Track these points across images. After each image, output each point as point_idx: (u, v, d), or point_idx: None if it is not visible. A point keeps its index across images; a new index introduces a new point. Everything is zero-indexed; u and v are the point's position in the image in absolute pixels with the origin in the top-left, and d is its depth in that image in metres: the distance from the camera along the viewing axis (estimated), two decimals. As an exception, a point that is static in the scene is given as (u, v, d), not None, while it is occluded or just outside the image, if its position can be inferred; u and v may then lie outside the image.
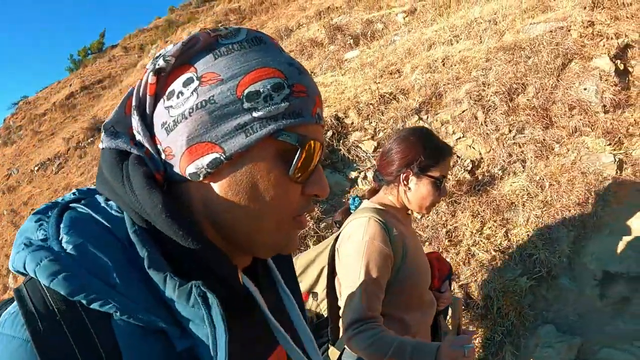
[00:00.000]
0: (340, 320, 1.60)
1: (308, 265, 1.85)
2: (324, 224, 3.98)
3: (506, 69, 4.30)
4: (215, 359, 0.52)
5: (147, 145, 0.60)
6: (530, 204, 3.74)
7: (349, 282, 1.56)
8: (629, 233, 3.66)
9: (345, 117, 4.65)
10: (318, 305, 1.83)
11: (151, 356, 0.52)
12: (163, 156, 0.60)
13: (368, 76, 5.07)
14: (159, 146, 0.60)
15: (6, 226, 11.62)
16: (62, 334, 0.48)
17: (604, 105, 4.14)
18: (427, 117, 4.39)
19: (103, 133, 0.63)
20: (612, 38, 4.40)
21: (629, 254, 3.41)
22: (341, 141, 4.53)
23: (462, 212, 3.72)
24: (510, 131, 4.12)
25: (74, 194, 0.64)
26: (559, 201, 3.75)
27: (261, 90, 0.58)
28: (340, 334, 1.65)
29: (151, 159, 0.61)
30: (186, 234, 0.56)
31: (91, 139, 13.03)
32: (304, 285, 1.82)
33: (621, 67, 4.37)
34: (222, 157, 0.58)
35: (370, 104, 4.56)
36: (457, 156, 4.13)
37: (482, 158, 4.14)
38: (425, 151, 1.68)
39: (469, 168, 4.07)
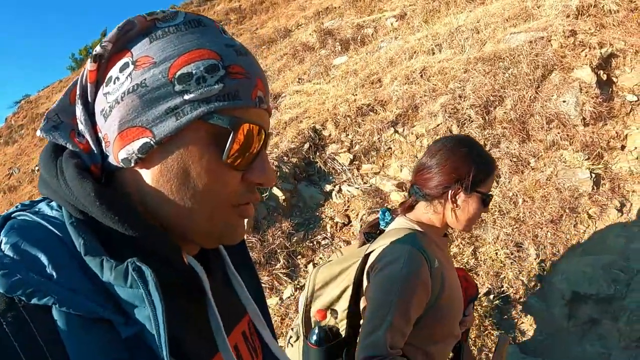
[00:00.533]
0: (357, 346, 1.48)
1: (330, 281, 1.72)
2: (296, 238, 3.98)
3: (484, 81, 4.23)
4: (158, 340, 0.51)
5: (87, 135, 0.60)
6: (501, 221, 3.68)
7: (377, 313, 1.42)
8: (601, 253, 3.59)
9: (323, 129, 4.64)
10: (337, 324, 1.71)
11: (94, 346, 0.50)
12: (103, 145, 0.60)
13: (350, 85, 5.04)
14: (99, 134, 0.60)
15: None
16: (1, 331, 0.48)
17: (584, 118, 4.05)
18: (403, 130, 4.34)
19: (44, 121, 0.62)
20: (595, 48, 4.28)
21: (599, 274, 3.34)
22: (318, 153, 4.53)
23: None
24: (485, 145, 4.05)
25: (17, 207, 0.62)
26: (532, 218, 3.68)
27: (194, 72, 0.56)
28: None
29: (89, 152, 0.60)
30: (122, 219, 0.55)
31: None
32: (322, 301, 1.70)
33: (604, 77, 4.26)
34: (152, 142, 0.56)
35: (348, 115, 4.54)
36: None
37: None
38: (477, 165, 1.50)
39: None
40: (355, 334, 1.63)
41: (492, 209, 3.75)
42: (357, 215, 4.01)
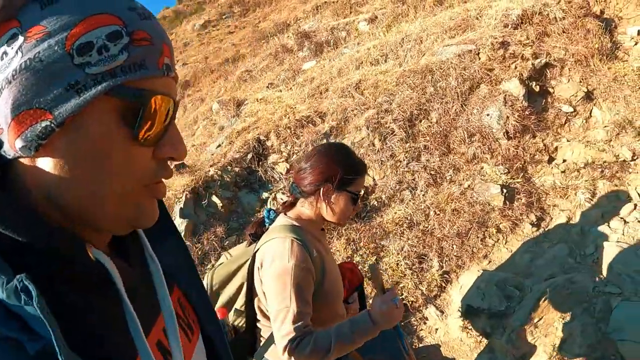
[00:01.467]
0: (275, 343, 1.66)
1: (227, 280, 1.90)
2: (228, 242, 4.30)
3: (411, 94, 4.31)
4: (60, 356, 0.47)
5: None
6: (409, 233, 3.81)
7: (281, 306, 1.60)
8: (506, 268, 3.64)
9: (266, 139, 4.90)
10: (237, 319, 1.88)
11: None
12: None
13: (302, 95, 5.24)
14: None
15: None
16: None
17: (506, 132, 4.05)
18: (335, 141, 4.52)
19: None
20: (527, 59, 4.24)
21: (493, 290, 3.41)
22: (260, 163, 4.80)
23: (337, 239, 3.88)
24: (405, 158, 4.17)
25: None
26: (441, 231, 3.78)
27: (94, 41, 0.50)
28: (258, 347, 1.78)
29: None
30: (13, 224, 0.50)
31: None
32: (222, 300, 1.86)
33: (536, 89, 4.22)
34: (52, 124, 0.50)
35: (289, 127, 4.77)
36: None
37: (375, 185, 4.24)
38: (345, 167, 1.72)
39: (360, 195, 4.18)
40: (253, 327, 1.84)
41: (401, 220, 3.89)
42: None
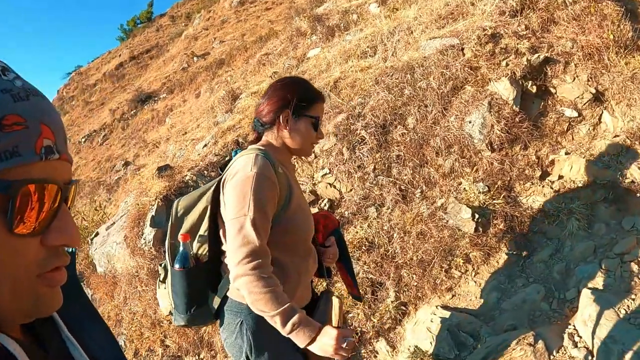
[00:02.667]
0: (227, 257, 1.63)
1: (190, 206, 1.86)
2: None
3: (386, 97, 3.82)
4: None
5: None
6: (367, 257, 3.43)
7: (238, 215, 1.57)
8: (470, 305, 3.18)
9: (244, 142, 4.65)
10: (201, 246, 1.86)
11: None
12: None
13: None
14: None
15: None
16: None
17: (490, 142, 3.47)
18: (309, 147, 4.17)
19: None
20: (522, 54, 3.57)
21: (444, 335, 2.99)
22: None
23: None
24: (374, 170, 3.74)
25: None
26: (403, 257, 3.37)
27: None
28: (224, 273, 1.76)
29: None
30: None
31: (134, 110, 13.42)
32: (185, 226, 1.84)
33: (533, 89, 3.55)
34: None
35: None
36: (315, 194, 3.91)
37: (342, 199, 3.86)
38: (300, 93, 1.75)
39: (325, 208, 3.83)
40: (216, 253, 1.80)
41: (361, 241, 3.51)
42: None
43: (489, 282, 3.19)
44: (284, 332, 1.52)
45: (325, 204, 3.83)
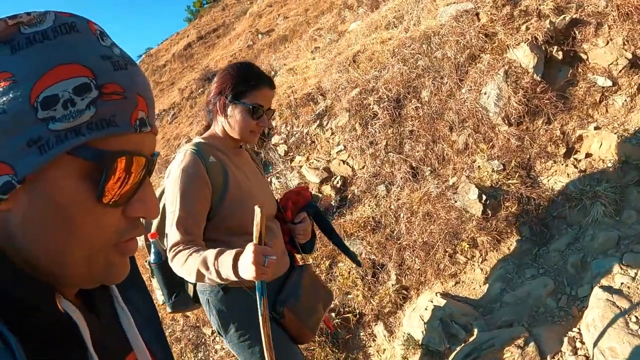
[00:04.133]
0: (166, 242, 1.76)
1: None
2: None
3: (401, 69, 3.62)
4: None
5: None
6: (371, 237, 3.33)
7: (169, 211, 1.68)
8: (472, 294, 2.98)
9: (273, 119, 4.67)
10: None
11: None
12: None
13: (322, 66, 4.80)
14: None
15: None
16: None
17: (507, 116, 3.16)
18: (327, 124, 4.08)
19: None
20: (546, 16, 3.16)
21: (435, 325, 2.82)
22: (263, 144, 4.61)
23: None
24: (386, 146, 3.57)
25: None
26: (407, 238, 3.23)
27: (60, 94, 0.48)
28: None
29: None
30: None
31: (201, 89, 13.42)
32: (154, 224, 1.94)
33: (558, 55, 3.15)
34: (13, 180, 0.48)
35: (290, 106, 4.46)
36: (328, 172, 3.82)
37: (355, 176, 3.75)
38: (236, 79, 1.76)
39: (338, 185, 3.75)
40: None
41: (367, 221, 3.40)
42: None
43: (495, 271, 2.96)
44: (216, 276, 1.52)
45: (337, 181, 3.76)
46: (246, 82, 1.76)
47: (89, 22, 0.54)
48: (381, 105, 3.60)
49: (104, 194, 0.51)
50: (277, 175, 4.34)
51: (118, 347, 0.65)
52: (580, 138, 3.06)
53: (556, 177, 3.05)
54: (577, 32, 3.10)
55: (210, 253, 1.53)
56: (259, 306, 1.47)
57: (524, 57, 3.15)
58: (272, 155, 4.50)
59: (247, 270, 1.41)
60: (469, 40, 3.33)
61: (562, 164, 3.05)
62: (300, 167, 4.17)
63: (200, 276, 1.57)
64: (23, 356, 0.46)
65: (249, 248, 1.42)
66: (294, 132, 4.36)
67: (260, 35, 13.38)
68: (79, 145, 0.49)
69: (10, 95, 0.47)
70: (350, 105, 3.73)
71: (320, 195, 3.80)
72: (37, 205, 0.50)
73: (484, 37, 3.30)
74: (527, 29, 3.18)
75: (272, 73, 5.96)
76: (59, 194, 0.50)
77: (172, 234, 1.63)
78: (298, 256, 2.33)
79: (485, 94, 3.23)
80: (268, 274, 1.41)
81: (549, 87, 3.12)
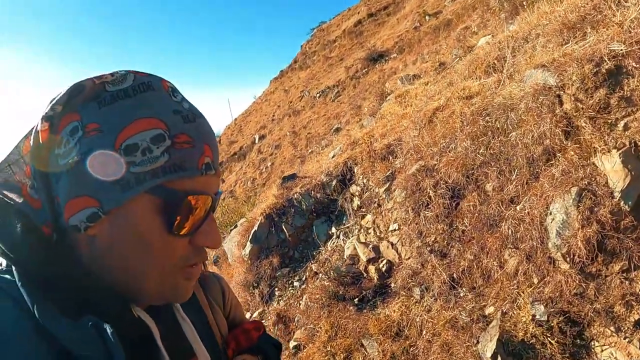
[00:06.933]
0: None
1: None
2: (280, 272, 4.32)
3: (469, 147, 2.90)
4: None
5: (43, 193, 0.60)
6: (389, 345, 2.90)
7: None
8: None
9: (355, 165, 4.31)
10: None
11: None
12: (55, 203, 0.60)
13: (422, 103, 4.15)
14: (52, 193, 0.60)
15: (287, 145, 13.43)
16: None
17: (569, 253, 2.25)
18: (394, 190, 3.56)
19: None
20: None
21: None
22: (343, 191, 4.31)
23: (319, 319, 3.35)
24: (435, 242, 2.98)
25: None
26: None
27: (139, 143, 0.57)
28: None
29: (41, 209, 0.61)
30: (70, 279, 0.57)
31: (366, 69, 13.07)
32: None
33: None
34: (99, 212, 0.57)
35: (370, 155, 4.07)
36: (377, 252, 3.38)
37: (401, 264, 3.24)
38: None
39: (383, 269, 3.32)
40: None
41: (391, 325, 2.95)
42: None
43: None
44: None
45: (383, 265, 3.36)
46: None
47: (162, 81, 0.63)
48: (438, 192, 3.00)
49: (174, 226, 0.60)
50: (345, 231, 4.09)
51: (180, 351, 0.73)
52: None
53: (612, 351, 2.11)
54: None
55: None
56: None
57: (612, 171, 2.16)
58: (347, 207, 4.23)
59: None
60: (545, 130, 2.45)
61: (627, 336, 2.09)
62: (367, 228, 3.83)
63: None
64: (118, 341, 0.54)
65: None
66: (369, 187, 3.99)
67: (427, 17, 12.22)
68: (155, 186, 0.57)
69: (98, 142, 0.56)
70: (406, 183, 3.22)
71: (365, 275, 3.47)
72: (119, 233, 0.58)
73: (563, 130, 2.38)
74: (627, 128, 2.15)
75: (384, 95, 5.45)
76: (137, 225, 0.58)
77: None
78: None
79: (550, 213, 2.37)
80: None
81: (639, 224, 2.10)
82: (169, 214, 0.59)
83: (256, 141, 17.40)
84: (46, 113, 0.58)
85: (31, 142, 0.60)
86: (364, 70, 13.20)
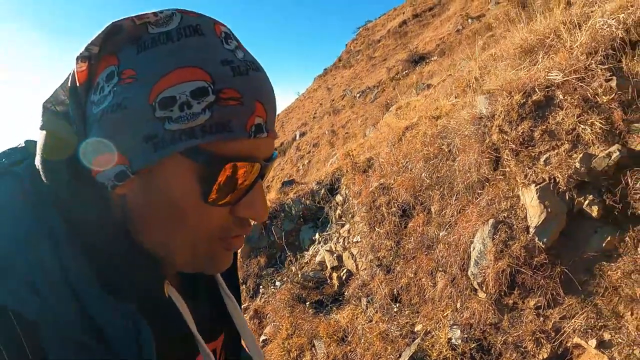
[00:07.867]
0: None
1: None
2: (265, 272, 4.52)
3: (421, 169, 2.98)
4: None
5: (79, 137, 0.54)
6: (335, 348, 3.04)
7: None
8: None
9: (341, 175, 4.43)
10: None
11: None
12: None
13: (405, 120, 4.18)
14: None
15: (324, 144, 13.32)
16: None
17: (484, 282, 2.28)
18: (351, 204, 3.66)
19: (42, 112, 0.55)
20: (587, 143, 2.01)
21: None
22: (330, 200, 4.44)
23: (284, 310, 3.53)
24: (383, 257, 3.07)
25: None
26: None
27: (177, 96, 0.49)
28: None
29: None
30: (114, 236, 0.53)
31: (406, 71, 12.81)
32: None
33: (592, 211, 2.02)
34: (128, 171, 0.51)
35: (351, 168, 4.18)
36: (339, 260, 3.50)
37: (357, 274, 3.36)
38: None
39: (343, 278, 3.45)
40: None
41: (337, 330, 3.08)
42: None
43: None
44: None
45: (344, 274, 3.50)
46: None
47: (215, 24, 0.54)
48: (390, 210, 3.10)
49: (211, 195, 0.52)
50: (326, 238, 4.24)
51: (208, 327, 0.68)
52: (578, 348, 2.02)
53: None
54: (631, 178, 1.93)
55: None
56: None
57: (530, 206, 2.19)
58: (331, 215, 4.37)
59: None
60: (477, 159, 2.50)
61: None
62: (344, 238, 3.96)
63: None
64: (152, 339, 0.50)
65: None
66: (348, 198, 4.11)
67: (470, 20, 11.87)
68: (192, 147, 0.50)
69: (132, 92, 0.49)
70: (366, 199, 3.34)
71: (329, 281, 3.62)
72: (149, 195, 0.52)
73: (492, 160, 2.42)
74: (548, 162, 2.17)
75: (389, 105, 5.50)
76: (170, 190, 0.52)
77: None
78: None
79: (472, 242, 2.42)
80: None
81: (554, 261, 2.11)
82: (205, 181, 0.52)
83: (297, 138, 17.67)
84: (81, 53, 0.52)
85: (69, 83, 0.54)
86: (404, 72, 13.02)
